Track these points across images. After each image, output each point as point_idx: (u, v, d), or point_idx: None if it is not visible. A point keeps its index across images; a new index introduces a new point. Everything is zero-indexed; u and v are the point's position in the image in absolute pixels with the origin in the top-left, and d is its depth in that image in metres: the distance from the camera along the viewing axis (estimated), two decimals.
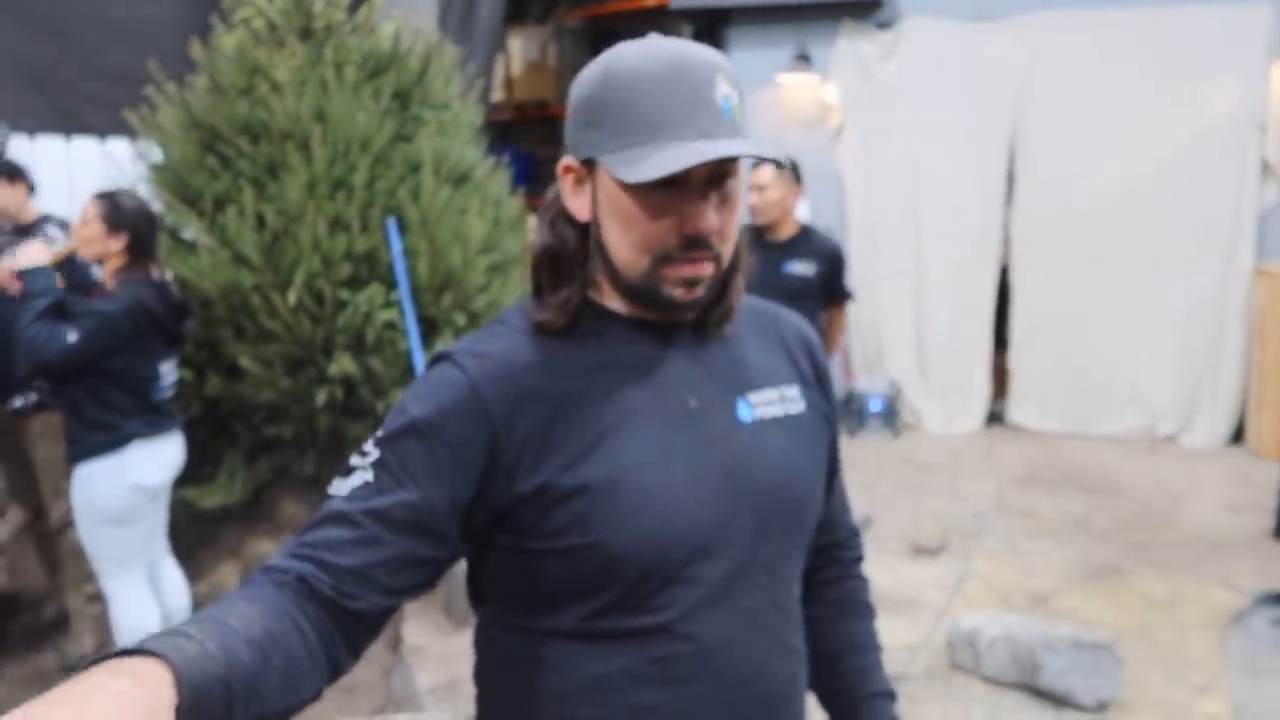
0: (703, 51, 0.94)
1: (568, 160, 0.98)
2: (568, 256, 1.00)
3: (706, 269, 0.96)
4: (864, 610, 1.23)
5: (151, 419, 2.84)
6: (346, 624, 0.90)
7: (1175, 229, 5.90)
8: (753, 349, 1.07)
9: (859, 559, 1.26)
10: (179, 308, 2.94)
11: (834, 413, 1.15)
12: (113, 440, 2.77)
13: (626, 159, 0.91)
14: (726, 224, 0.96)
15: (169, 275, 3.00)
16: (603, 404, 0.97)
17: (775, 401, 1.05)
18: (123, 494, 2.80)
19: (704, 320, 1.03)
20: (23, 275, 2.73)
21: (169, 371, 2.94)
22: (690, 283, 0.96)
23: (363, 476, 0.94)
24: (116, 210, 2.81)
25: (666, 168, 0.89)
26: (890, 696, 1.19)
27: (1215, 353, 5.90)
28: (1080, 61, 5.93)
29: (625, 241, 0.95)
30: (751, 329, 1.08)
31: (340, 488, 0.95)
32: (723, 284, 1.01)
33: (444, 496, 0.93)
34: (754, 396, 1.04)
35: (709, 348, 1.03)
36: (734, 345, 1.06)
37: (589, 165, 0.97)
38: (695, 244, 0.94)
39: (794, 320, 1.16)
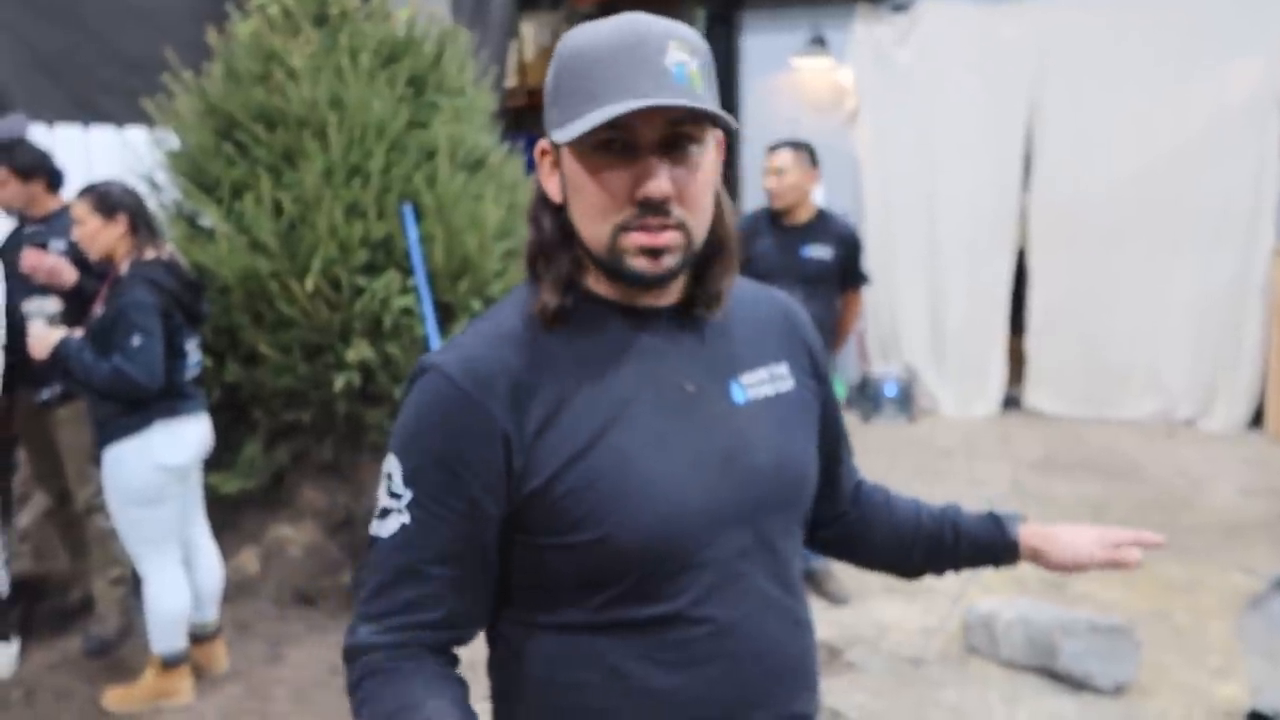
0: (657, 21, 0.93)
1: (543, 143, 1.00)
2: (549, 241, 1.00)
3: (666, 238, 0.93)
4: (891, 491, 1.32)
5: (172, 401, 2.86)
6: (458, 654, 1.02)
7: (1194, 211, 5.85)
8: (741, 329, 1.08)
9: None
10: (193, 285, 2.96)
11: (826, 383, 1.16)
12: (137, 421, 2.80)
13: (570, 125, 0.92)
14: (687, 190, 0.93)
15: (177, 253, 3.01)
16: (602, 395, 0.97)
17: (766, 381, 1.06)
18: (148, 474, 2.82)
19: (694, 304, 1.03)
20: (55, 356, 2.76)
21: (193, 350, 2.97)
22: (652, 253, 0.93)
23: (399, 520, 0.96)
24: (104, 197, 2.83)
25: (591, 122, 0.89)
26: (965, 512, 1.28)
27: (1234, 336, 5.86)
28: (1097, 43, 5.87)
29: (586, 212, 0.95)
30: (738, 309, 1.08)
31: (380, 529, 0.98)
32: (706, 264, 1.00)
33: (489, 513, 0.96)
34: (746, 378, 1.04)
35: (700, 331, 1.03)
36: (724, 327, 1.06)
37: (557, 146, 0.97)
38: (650, 209, 0.92)
39: (779, 297, 1.16)
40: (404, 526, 0.96)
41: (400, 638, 0.96)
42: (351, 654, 0.98)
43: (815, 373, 1.13)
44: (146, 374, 2.72)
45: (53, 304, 2.85)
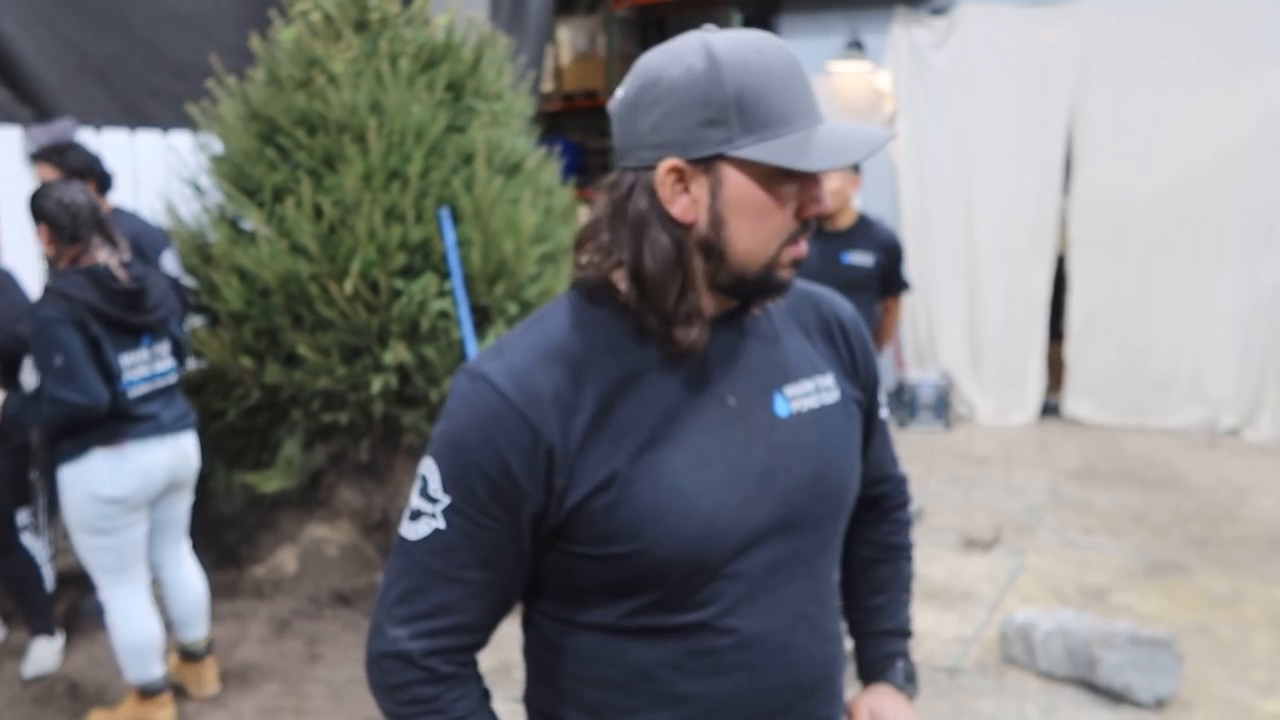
0: (780, 41, 0.97)
1: (673, 162, 0.93)
2: (687, 260, 0.96)
3: (806, 246, 0.99)
4: (895, 553, 1.26)
5: (115, 425, 2.58)
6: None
7: (1239, 217, 5.75)
8: (789, 337, 1.07)
9: (903, 504, 1.28)
10: (126, 293, 2.58)
11: (875, 384, 1.15)
12: (75, 448, 2.57)
13: (779, 149, 0.91)
14: None
15: (114, 260, 2.60)
16: (645, 411, 0.97)
17: (811, 393, 1.05)
18: (87, 504, 2.60)
19: (749, 304, 1.03)
20: (5, 418, 2.62)
21: (139, 365, 2.64)
22: (797, 262, 0.98)
23: (432, 525, 0.96)
24: (32, 204, 2.60)
25: (853, 153, 0.92)
26: (898, 634, 1.23)
27: None
28: (1140, 47, 5.79)
29: (759, 232, 0.94)
30: (788, 314, 1.08)
31: (411, 531, 0.98)
32: None
33: (527, 523, 0.96)
34: (791, 389, 1.04)
35: (747, 341, 1.03)
36: (771, 336, 1.05)
37: (700, 164, 0.93)
38: (809, 225, 0.97)
39: (830, 300, 1.15)
40: (438, 531, 0.96)
41: (433, 644, 0.97)
42: (383, 658, 0.99)
43: (858, 370, 1.12)
44: (82, 393, 2.45)
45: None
